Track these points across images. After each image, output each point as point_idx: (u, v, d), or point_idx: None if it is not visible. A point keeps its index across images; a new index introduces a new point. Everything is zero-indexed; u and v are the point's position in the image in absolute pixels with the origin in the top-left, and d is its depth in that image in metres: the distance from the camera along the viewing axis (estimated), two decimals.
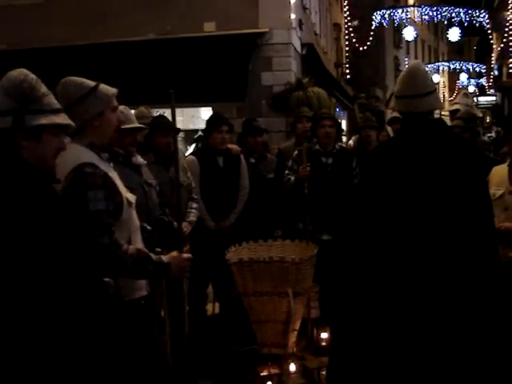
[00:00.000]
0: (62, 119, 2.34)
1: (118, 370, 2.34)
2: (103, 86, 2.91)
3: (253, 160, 5.98)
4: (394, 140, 3.73)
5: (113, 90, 2.95)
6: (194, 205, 5.06)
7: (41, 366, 1.96)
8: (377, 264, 3.05)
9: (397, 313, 2.96)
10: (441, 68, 42.80)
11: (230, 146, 5.64)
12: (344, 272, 3.14)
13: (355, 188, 4.63)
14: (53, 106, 2.31)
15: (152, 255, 2.84)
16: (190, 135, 10.52)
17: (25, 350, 1.95)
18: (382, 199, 3.08)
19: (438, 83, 39.23)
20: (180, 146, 7.18)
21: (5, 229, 1.98)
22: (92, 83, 2.88)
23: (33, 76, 2.30)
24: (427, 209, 3.00)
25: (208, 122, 5.65)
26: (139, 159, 4.10)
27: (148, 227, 3.47)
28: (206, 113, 10.07)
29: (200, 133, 8.28)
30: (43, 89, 2.30)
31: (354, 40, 26.61)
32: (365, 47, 27.44)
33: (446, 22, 31.47)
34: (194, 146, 7.22)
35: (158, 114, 6.72)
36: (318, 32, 18.99)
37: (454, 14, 28.20)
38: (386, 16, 28.94)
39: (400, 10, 29.99)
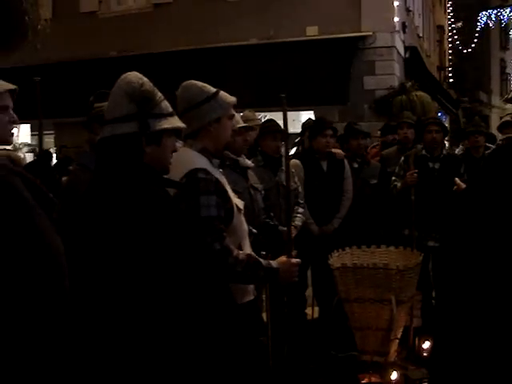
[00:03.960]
0: (179, 122, 2.39)
1: (225, 370, 2.39)
2: (223, 93, 2.93)
3: (356, 165, 5.94)
4: None
5: (232, 99, 2.96)
6: (300, 209, 5.07)
7: (166, 361, 2.03)
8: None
9: None
10: None
11: (334, 150, 5.63)
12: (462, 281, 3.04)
13: (467, 194, 4.48)
14: (169, 109, 2.35)
15: (262, 260, 2.82)
16: (292, 139, 10.59)
17: (147, 350, 2.01)
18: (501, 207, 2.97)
19: None
20: None
21: (133, 233, 2.04)
22: (213, 89, 2.90)
23: (147, 79, 2.33)
24: None
25: (309, 125, 5.66)
26: (246, 161, 4.14)
27: (254, 230, 3.50)
28: (306, 116, 10.07)
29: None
30: (158, 92, 2.34)
31: (457, 42, 25.85)
32: (469, 49, 26.61)
33: None
34: (294, 149, 7.23)
35: (260, 117, 6.82)
36: (421, 35, 18.59)
37: None
38: (493, 16, 27.79)
39: (508, 10, 28.72)
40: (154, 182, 2.20)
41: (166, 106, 2.34)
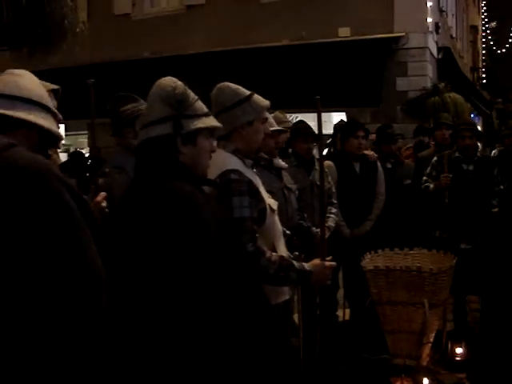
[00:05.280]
0: (215, 121, 2.40)
1: (257, 372, 2.40)
2: (257, 97, 2.95)
3: (389, 165, 5.92)
4: None
5: (265, 102, 2.98)
6: (334, 210, 5.06)
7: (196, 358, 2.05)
8: None
9: None
10: None
11: (366, 152, 5.61)
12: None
13: (504, 198, 4.45)
14: (203, 109, 2.36)
15: (295, 262, 2.83)
16: (324, 140, 10.58)
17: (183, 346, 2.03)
18: None
19: None
20: None
21: (169, 235, 2.05)
22: (247, 92, 2.93)
23: (181, 83, 2.35)
24: None
25: (340, 126, 5.65)
26: (281, 162, 4.16)
27: (287, 231, 3.50)
28: (337, 118, 10.05)
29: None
30: (192, 94, 2.36)
31: (491, 42, 25.53)
32: (503, 50, 26.25)
33: None
34: (326, 150, 7.23)
35: (291, 118, 6.83)
36: (454, 35, 18.39)
37: None
38: None
39: None
40: (190, 181, 2.21)
41: (201, 106, 2.36)
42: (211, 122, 2.36)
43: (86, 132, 13.65)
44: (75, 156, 10.52)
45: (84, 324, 1.78)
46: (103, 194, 2.93)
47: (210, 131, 2.38)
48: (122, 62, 13.27)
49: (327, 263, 2.96)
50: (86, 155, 9.53)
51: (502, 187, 5.36)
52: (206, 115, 2.35)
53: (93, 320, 1.79)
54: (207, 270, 2.06)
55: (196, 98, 2.37)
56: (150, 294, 2.06)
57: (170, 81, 2.34)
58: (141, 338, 2.06)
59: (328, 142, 7.44)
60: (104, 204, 2.88)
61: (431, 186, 5.39)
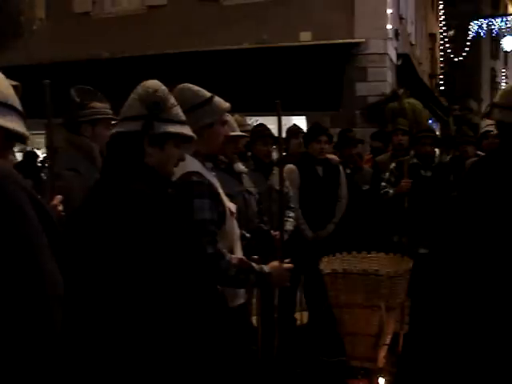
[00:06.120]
0: (188, 130, 2.39)
1: (215, 374, 2.39)
2: (218, 99, 2.95)
3: (348, 171, 5.98)
4: (501, 154, 3.52)
5: (226, 105, 2.98)
6: (291, 214, 5.10)
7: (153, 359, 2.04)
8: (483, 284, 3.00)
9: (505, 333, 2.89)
10: None
11: (329, 156, 5.66)
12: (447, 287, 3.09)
13: (456, 203, 4.55)
14: (180, 117, 2.36)
15: (254, 265, 2.84)
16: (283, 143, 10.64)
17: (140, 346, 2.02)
18: (488, 216, 3.01)
19: None
20: None
21: (128, 229, 2.05)
22: (208, 94, 2.92)
23: (165, 88, 2.37)
24: None
25: (292, 131, 5.70)
26: (240, 166, 4.16)
27: (247, 235, 3.51)
28: (297, 122, 10.11)
29: None
30: (172, 100, 2.36)
31: (449, 50, 26.01)
32: (460, 58, 26.77)
33: None
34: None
35: (251, 121, 6.82)
36: (413, 42, 18.69)
37: None
38: (484, 25, 27.97)
39: (499, 19, 28.92)
40: (152, 183, 2.21)
41: (178, 113, 2.36)
42: (184, 130, 2.36)
43: (43, 132, 13.42)
44: (28, 156, 10.33)
45: (36, 338, 1.72)
46: (59, 197, 2.87)
47: (181, 139, 2.37)
48: (82, 61, 13.08)
49: (285, 265, 2.98)
50: (43, 155, 9.38)
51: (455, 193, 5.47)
52: (181, 123, 2.35)
53: (45, 333, 1.74)
54: (165, 273, 2.05)
55: (176, 104, 2.37)
56: (108, 296, 2.04)
57: (154, 83, 2.36)
58: (99, 340, 2.04)
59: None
60: (60, 208, 2.82)
61: (391, 191, 5.47)
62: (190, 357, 2.09)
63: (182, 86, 2.95)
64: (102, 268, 2.06)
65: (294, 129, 6.42)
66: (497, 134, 4.82)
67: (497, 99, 3.37)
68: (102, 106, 3.50)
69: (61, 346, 1.76)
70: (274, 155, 5.42)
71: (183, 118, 2.39)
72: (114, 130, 2.32)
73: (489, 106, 4.00)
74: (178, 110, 2.37)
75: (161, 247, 2.06)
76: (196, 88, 2.94)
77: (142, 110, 2.27)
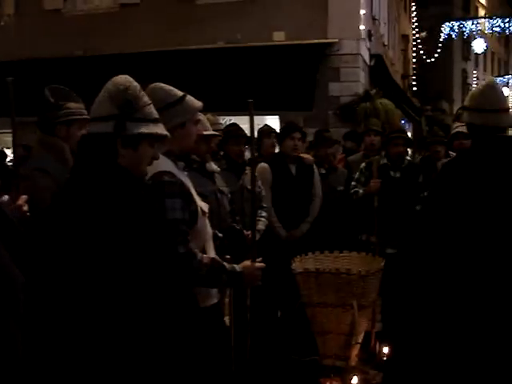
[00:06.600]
0: (161, 129, 2.36)
1: (188, 374, 2.38)
2: (190, 98, 2.92)
3: (323, 171, 5.98)
4: (472, 155, 3.56)
5: (198, 104, 2.96)
6: (263, 213, 5.09)
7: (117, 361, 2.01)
8: (447, 281, 3.03)
9: (467, 332, 2.92)
10: (510, 82, 41.61)
11: (303, 155, 5.67)
12: (411, 287, 3.12)
13: (425, 205, 4.60)
14: (153, 115, 2.32)
15: (226, 264, 2.83)
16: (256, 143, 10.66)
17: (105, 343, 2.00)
18: (454, 218, 3.04)
19: (507, 97, 38.14)
20: None
21: (97, 229, 2.02)
22: (180, 93, 2.89)
23: (136, 84, 2.32)
24: (497, 230, 2.95)
25: (264, 131, 5.70)
26: (213, 166, 4.15)
27: (219, 234, 3.50)
28: (270, 122, 10.13)
29: None
30: (145, 98, 2.32)
31: (421, 52, 26.28)
32: (432, 59, 27.08)
33: None
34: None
35: (224, 121, 6.80)
36: (386, 43, 18.84)
37: None
38: (455, 28, 28.32)
39: (470, 22, 29.31)
40: (125, 183, 2.18)
41: (151, 112, 2.32)
42: (157, 129, 2.33)
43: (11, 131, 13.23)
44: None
45: None
46: (24, 197, 2.82)
47: (154, 138, 2.35)
48: (53, 59, 12.92)
49: (257, 264, 2.98)
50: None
51: (425, 194, 5.50)
52: (154, 121, 2.32)
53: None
54: (134, 272, 2.03)
55: (149, 102, 2.33)
56: (77, 292, 2.01)
57: (124, 80, 2.31)
58: (67, 340, 2.01)
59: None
60: (25, 208, 2.78)
61: (360, 191, 5.49)
62: (160, 356, 2.07)
63: (154, 85, 2.93)
64: (72, 267, 2.03)
65: (266, 129, 6.41)
66: (467, 136, 4.91)
67: (466, 102, 3.41)
68: (76, 107, 3.45)
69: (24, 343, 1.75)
70: (247, 155, 5.41)
71: (156, 115, 2.36)
72: (84, 131, 2.28)
73: (459, 109, 4.05)
74: (152, 108, 2.34)
75: (130, 247, 2.05)
76: (168, 87, 2.91)
77: (113, 109, 2.22)
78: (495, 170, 3.08)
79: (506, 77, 41.50)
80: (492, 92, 3.24)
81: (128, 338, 2.01)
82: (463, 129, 4.99)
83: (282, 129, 5.70)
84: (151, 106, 2.34)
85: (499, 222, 2.97)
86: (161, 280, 2.14)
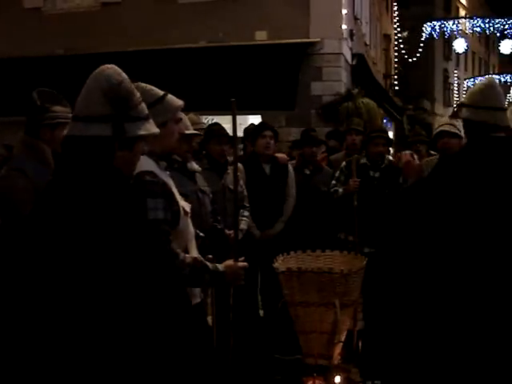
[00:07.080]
0: (154, 127, 2.31)
1: (172, 372, 2.37)
2: (171, 97, 2.90)
3: (308, 172, 5.97)
4: (468, 152, 3.52)
5: (179, 103, 2.93)
6: (246, 213, 5.08)
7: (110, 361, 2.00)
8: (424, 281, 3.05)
9: (445, 332, 2.94)
10: None
11: (277, 154, 5.66)
12: (390, 286, 3.13)
13: (405, 204, 4.61)
14: (145, 111, 2.26)
15: (208, 264, 2.83)
16: (240, 143, 10.67)
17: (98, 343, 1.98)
18: (438, 218, 3.05)
19: None
20: None
21: (93, 230, 1.99)
22: (160, 92, 2.87)
23: (126, 76, 2.20)
24: (479, 232, 2.96)
25: (250, 130, 5.69)
26: (194, 165, 4.14)
27: (201, 234, 3.50)
28: (253, 121, 10.14)
29: None
30: (136, 91, 2.23)
31: (403, 51, 26.44)
32: (414, 58, 27.24)
33: (498, 34, 30.85)
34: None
35: (206, 120, 6.78)
36: (368, 42, 18.93)
37: (506, 26, 27.64)
38: (437, 27, 28.50)
39: (451, 22, 29.48)
40: (121, 186, 2.15)
41: (143, 108, 2.25)
42: (151, 127, 2.29)
43: None
44: None
45: None
46: None
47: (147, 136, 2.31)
48: (33, 58, 12.81)
49: (240, 264, 2.98)
50: None
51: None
52: (146, 118, 2.26)
53: None
54: (122, 272, 2.02)
55: (140, 97, 2.26)
56: (64, 295, 1.99)
57: (115, 73, 2.19)
58: (59, 342, 1.99)
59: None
60: None
61: (340, 190, 5.50)
62: (153, 354, 2.06)
63: (135, 84, 2.90)
64: (64, 265, 2.00)
65: (252, 128, 6.42)
66: (452, 134, 4.94)
67: (464, 99, 3.42)
68: (63, 111, 3.43)
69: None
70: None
71: (147, 111, 2.30)
72: (76, 131, 2.12)
73: (457, 105, 4.06)
74: (143, 103, 2.28)
75: (117, 247, 2.02)
76: (149, 87, 2.87)
77: (108, 108, 2.10)
78: (490, 168, 3.07)
79: (486, 76, 41.84)
80: (491, 90, 3.25)
81: (123, 337, 1.99)
82: (447, 128, 5.03)
83: (253, 129, 5.70)
84: (142, 101, 2.27)
85: (493, 218, 2.97)
86: (153, 279, 2.12)
